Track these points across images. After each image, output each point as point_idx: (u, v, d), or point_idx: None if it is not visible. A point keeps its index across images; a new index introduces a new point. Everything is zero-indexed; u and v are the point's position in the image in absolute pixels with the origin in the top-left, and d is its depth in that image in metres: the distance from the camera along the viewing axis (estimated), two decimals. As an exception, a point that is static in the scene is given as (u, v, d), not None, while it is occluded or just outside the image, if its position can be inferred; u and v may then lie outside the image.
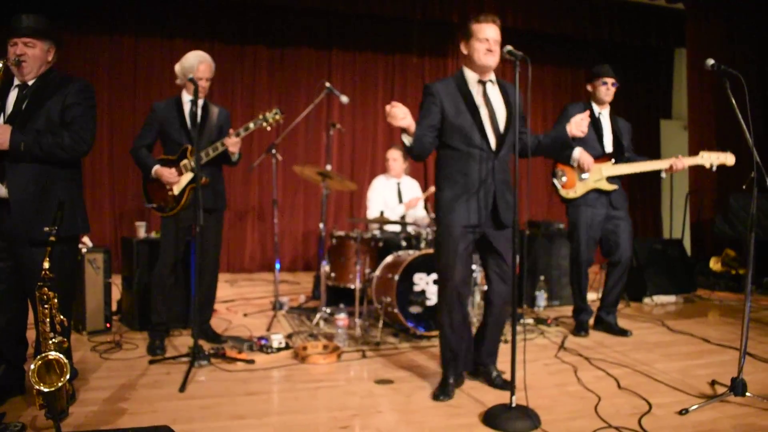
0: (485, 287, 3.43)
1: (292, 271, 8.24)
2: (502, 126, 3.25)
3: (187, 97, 4.13)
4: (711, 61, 3.32)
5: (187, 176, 4.04)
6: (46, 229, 2.59)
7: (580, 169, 4.57)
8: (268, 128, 4.17)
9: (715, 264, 7.17)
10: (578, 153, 4.53)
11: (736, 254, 7.11)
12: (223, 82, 8.06)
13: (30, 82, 2.98)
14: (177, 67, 4.14)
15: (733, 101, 3.15)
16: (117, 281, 4.87)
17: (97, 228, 7.50)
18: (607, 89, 4.61)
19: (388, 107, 3.01)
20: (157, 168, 4.06)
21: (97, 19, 7.61)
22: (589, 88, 4.71)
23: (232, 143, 4.05)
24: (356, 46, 8.64)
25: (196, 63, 4.07)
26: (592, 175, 4.56)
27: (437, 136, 3.27)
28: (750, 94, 3.21)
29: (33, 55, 2.94)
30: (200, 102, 4.15)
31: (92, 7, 7.51)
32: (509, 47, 2.96)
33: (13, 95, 2.97)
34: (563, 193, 4.65)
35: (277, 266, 5.53)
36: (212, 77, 4.18)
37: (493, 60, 3.20)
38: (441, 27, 8.75)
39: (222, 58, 8.09)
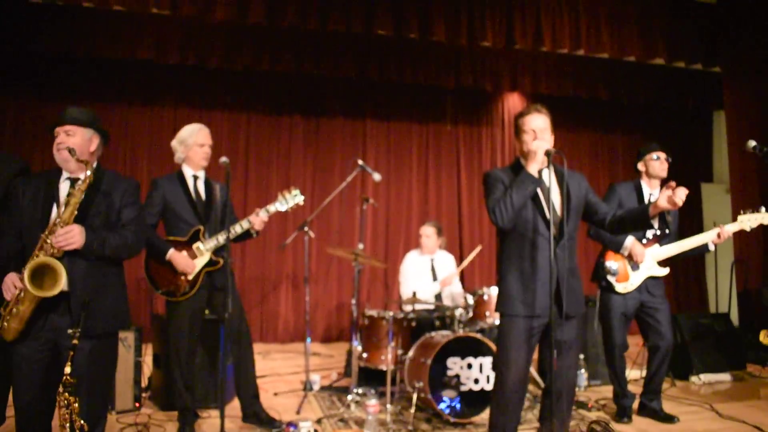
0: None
1: (325, 342, 8.13)
2: (560, 212, 3.13)
3: (189, 172, 4.04)
4: (752, 143, 3.26)
5: (203, 260, 3.90)
6: (70, 331, 2.54)
7: (631, 260, 4.38)
8: (289, 211, 4.11)
9: (765, 338, 6.82)
10: (630, 242, 4.31)
11: (788, 327, 6.79)
12: (259, 152, 8.19)
13: (81, 176, 2.90)
14: (174, 143, 4.05)
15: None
16: (148, 355, 4.84)
17: (131, 304, 7.51)
18: (660, 164, 4.48)
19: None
20: (172, 253, 3.85)
21: (137, 92, 7.82)
22: (640, 167, 4.53)
23: (260, 222, 3.97)
24: (390, 116, 8.70)
25: (196, 129, 4.01)
26: (644, 264, 4.37)
27: None
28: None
29: (73, 144, 2.92)
30: (201, 175, 4.08)
31: (131, 80, 7.73)
32: None
33: (64, 188, 2.95)
34: (620, 288, 4.39)
35: (308, 341, 5.45)
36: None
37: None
38: (474, 96, 8.80)
39: (259, 128, 8.25)
